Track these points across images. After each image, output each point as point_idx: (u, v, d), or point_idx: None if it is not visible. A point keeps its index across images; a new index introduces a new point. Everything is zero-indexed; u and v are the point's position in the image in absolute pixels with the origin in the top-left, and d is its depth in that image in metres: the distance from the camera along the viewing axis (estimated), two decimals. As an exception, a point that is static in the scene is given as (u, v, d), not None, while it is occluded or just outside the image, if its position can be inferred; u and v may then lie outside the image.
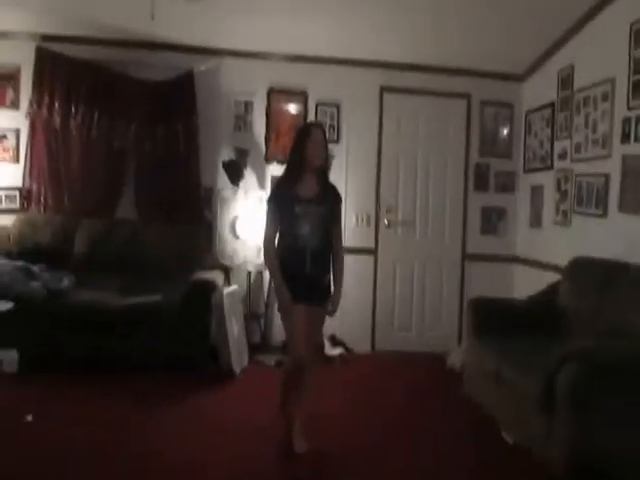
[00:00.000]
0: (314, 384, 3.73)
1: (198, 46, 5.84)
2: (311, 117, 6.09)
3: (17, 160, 5.76)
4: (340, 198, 3.70)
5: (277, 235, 3.58)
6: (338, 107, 6.12)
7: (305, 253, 3.47)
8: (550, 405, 3.27)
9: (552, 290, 4.63)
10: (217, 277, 5.20)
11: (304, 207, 3.47)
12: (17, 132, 5.76)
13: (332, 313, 3.65)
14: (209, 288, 4.94)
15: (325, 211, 3.52)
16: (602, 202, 4.69)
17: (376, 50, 5.87)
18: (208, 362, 4.93)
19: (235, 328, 5.14)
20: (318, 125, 3.83)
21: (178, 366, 4.83)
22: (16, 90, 5.77)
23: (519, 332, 4.30)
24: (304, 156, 3.52)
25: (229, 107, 6.02)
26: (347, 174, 6.11)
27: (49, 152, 5.69)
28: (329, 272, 3.62)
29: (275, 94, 6.07)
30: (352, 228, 6.06)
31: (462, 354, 5.18)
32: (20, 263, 5.02)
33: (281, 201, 3.54)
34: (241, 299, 5.61)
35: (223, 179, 5.86)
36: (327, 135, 5.69)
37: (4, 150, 5.75)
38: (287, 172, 3.65)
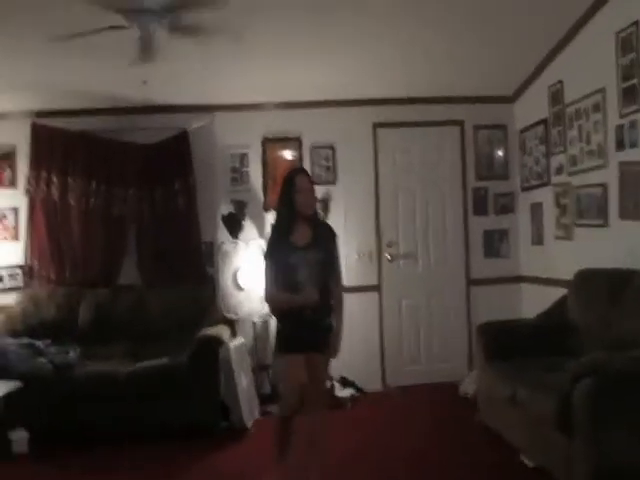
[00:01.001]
0: (326, 433, 3.60)
1: (190, 104, 5.92)
2: (306, 161, 6.11)
3: (17, 238, 5.83)
4: (334, 234, 3.60)
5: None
6: (333, 148, 6.14)
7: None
8: (568, 424, 3.20)
9: (560, 306, 4.57)
10: (223, 332, 5.14)
11: (299, 255, 3.40)
12: (16, 210, 5.85)
13: (333, 355, 3.55)
14: (215, 344, 4.87)
15: (321, 256, 3.45)
16: (602, 212, 4.64)
17: (366, 88, 5.89)
18: (220, 419, 4.84)
19: (244, 382, 5.05)
20: (302, 171, 3.72)
21: (191, 427, 4.74)
22: (13, 169, 5.88)
23: (530, 352, 4.29)
24: (293, 207, 3.44)
25: (225, 161, 6.06)
26: (346, 213, 6.09)
27: (49, 227, 5.75)
28: (329, 316, 3.52)
29: (269, 143, 6.11)
30: (354, 266, 6.02)
31: (474, 381, 5.09)
32: (25, 340, 5.02)
33: (276, 254, 3.47)
34: (248, 351, 5.53)
35: (223, 233, 5.87)
36: (323, 177, 5.93)
37: (4, 229, 5.84)
38: (279, 224, 3.56)
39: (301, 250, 3.42)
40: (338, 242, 3.62)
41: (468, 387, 5.37)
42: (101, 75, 5.20)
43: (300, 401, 3.46)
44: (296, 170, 3.81)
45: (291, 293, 3.41)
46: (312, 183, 3.56)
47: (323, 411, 3.61)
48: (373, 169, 6.18)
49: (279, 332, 3.54)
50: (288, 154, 6.12)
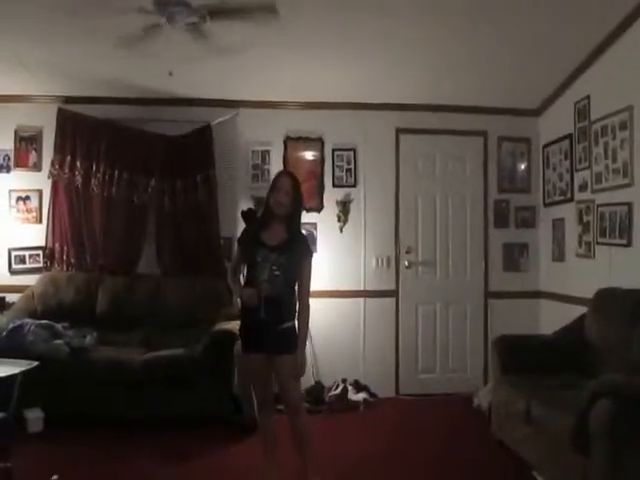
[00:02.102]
0: (310, 434, 3.56)
1: (214, 99, 5.95)
2: (328, 162, 6.13)
3: (40, 221, 5.89)
4: (308, 250, 3.54)
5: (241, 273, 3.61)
6: (354, 151, 6.14)
7: (260, 299, 3.36)
8: (583, 443, 3.17)
9: (578, 324, 4.53)
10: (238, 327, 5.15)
11: (265, 253, 3.40)
12: (40, 193, 5.90)
13: (299, 368, 3.45)
14: (230, 339, 4.85)
15: (287, 259, 3.41)
16: (626, 231, 4.60)
17: (390, 93, 5.90)
18: (231, 413, 4.86)
19: (258, 378, 5.07)
20: (287, 173, 3.78)
21: (202, 419, 4.79)
22: (39, 152, 5.94)
23: (547, 369, 4.24)
24: (268, 205, 3.50)
25: (246, 157, 6.08)
26: (365, 217, 6.11)
27: (71, 211, 5.80)
28: (289, 321, 3.46)
29: (291, 142, 6.12)
30: (372, 271, 6.07)
31: (488, 394, 5.07)
32: (44, 322, 5.05)
33: (247, 245, 3.53)
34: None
35: (242, 229, 5.85)
36: (344, 179, 5.95)
37: (27, 211, 5.89)
38: (259, 219, 3.68)
39: (268, 249, 3.41)
40: (311, 258, 3.53)
41: (482, 400, 5.34)
42: (128, 65, 5.24)
43: (265, 396, 3.57)
44: (283, 172, 4.01)
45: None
46: (296, 188, 3.52)
47: (301, 415, 3.57)
48: (394, 174, 6.18)
49: (239, 329, 3.61)
50: (310, 154, 6.13)
